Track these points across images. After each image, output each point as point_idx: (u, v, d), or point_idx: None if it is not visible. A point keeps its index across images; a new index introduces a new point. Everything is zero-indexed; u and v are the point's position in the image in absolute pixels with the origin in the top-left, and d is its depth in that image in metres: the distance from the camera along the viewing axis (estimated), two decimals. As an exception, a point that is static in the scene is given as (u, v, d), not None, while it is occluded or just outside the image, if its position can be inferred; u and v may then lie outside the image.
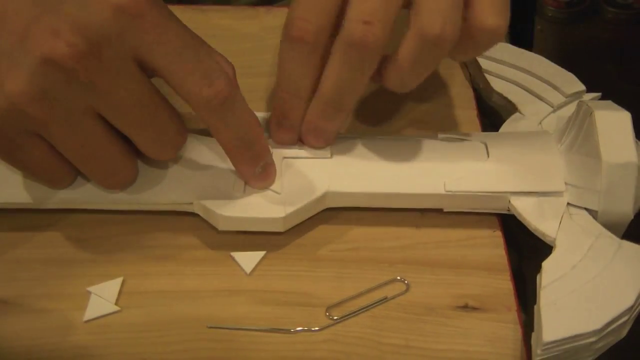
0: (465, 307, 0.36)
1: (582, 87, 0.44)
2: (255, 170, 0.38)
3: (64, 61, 0.31)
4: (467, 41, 0.36)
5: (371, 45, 0.35)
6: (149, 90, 0.34)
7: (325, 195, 0.39)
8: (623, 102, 0.39)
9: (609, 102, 0.39)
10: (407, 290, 0.37)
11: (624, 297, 0.33)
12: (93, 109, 0.34)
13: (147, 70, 0.34)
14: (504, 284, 0.37)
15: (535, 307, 0.34)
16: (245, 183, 0.39)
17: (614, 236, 0.36)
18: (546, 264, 0.35)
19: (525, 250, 0.40)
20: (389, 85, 0.37)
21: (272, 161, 0.39)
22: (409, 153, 0.40)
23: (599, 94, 0.44)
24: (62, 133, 0.34)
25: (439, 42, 0.34)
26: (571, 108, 0.43)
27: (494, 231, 0.40)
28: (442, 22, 0.34)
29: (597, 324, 0.32)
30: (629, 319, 0.33)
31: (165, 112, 0.35)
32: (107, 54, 0.32)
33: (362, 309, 0.36)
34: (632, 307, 0.33)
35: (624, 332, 0.34)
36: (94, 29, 0.32)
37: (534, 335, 0.34)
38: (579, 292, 0.34)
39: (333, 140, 0.40)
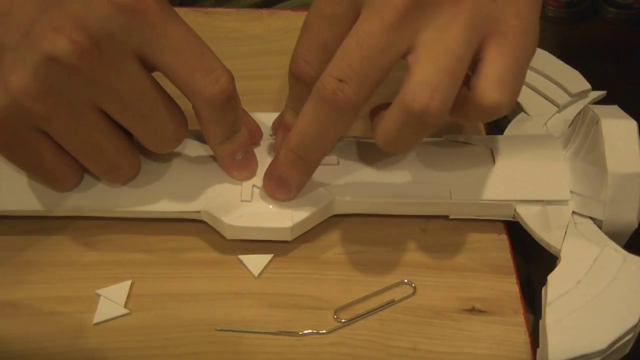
0: (472, 310, 0.37)
1: (588, 86, 0.44)
2: (236, 158, 0.38)
3: (66, 58, 0.32)
4: (465, 109, 0.33)
5: (341, 105, 0.33)
6: (150, 85, 0.35)
7: (332, 204, 0.39)
8: (623, 102, 0.40)
9: (615, 108, 0.39)
10: (414, 293, 0.37)
11: (628, 315, 0.33)
12: (95, 103, 0.34)
13: (148, 66, 0.34)
14: (510, 287, 0.38)
15: (541, 322, 0.34)
16: (228, 174, 0.39)
17: (619, 248, 0.36)
18: (552, 278, 0.35)
19: (532, 251, 0.41)
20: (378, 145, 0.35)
21: (253, 151, 0.39)
22: (415, 159, 0.40)
23: (604, 92, 0.44)
24: (65, 128, 0.34)
25: (422, 117, 0.31)
26: (576, 108, 0.44)
27: (499, 234, 0.40)
28: (428, 96, 0.31)
29: (602, 344, 0.32)
30: (633, 336, 0.34)
31: (166, 107, 0.36)
32: (108, 51, 0.32)
33: (369, 311, 0.37)
34: (636, 325, 0.33)
35: (628, 349, 0.34)
36: (95, 26, 0.32)
37: (539, 351, 0.34)
38: (584, 309, 0.34)
39: (295, 195, 0.38)
